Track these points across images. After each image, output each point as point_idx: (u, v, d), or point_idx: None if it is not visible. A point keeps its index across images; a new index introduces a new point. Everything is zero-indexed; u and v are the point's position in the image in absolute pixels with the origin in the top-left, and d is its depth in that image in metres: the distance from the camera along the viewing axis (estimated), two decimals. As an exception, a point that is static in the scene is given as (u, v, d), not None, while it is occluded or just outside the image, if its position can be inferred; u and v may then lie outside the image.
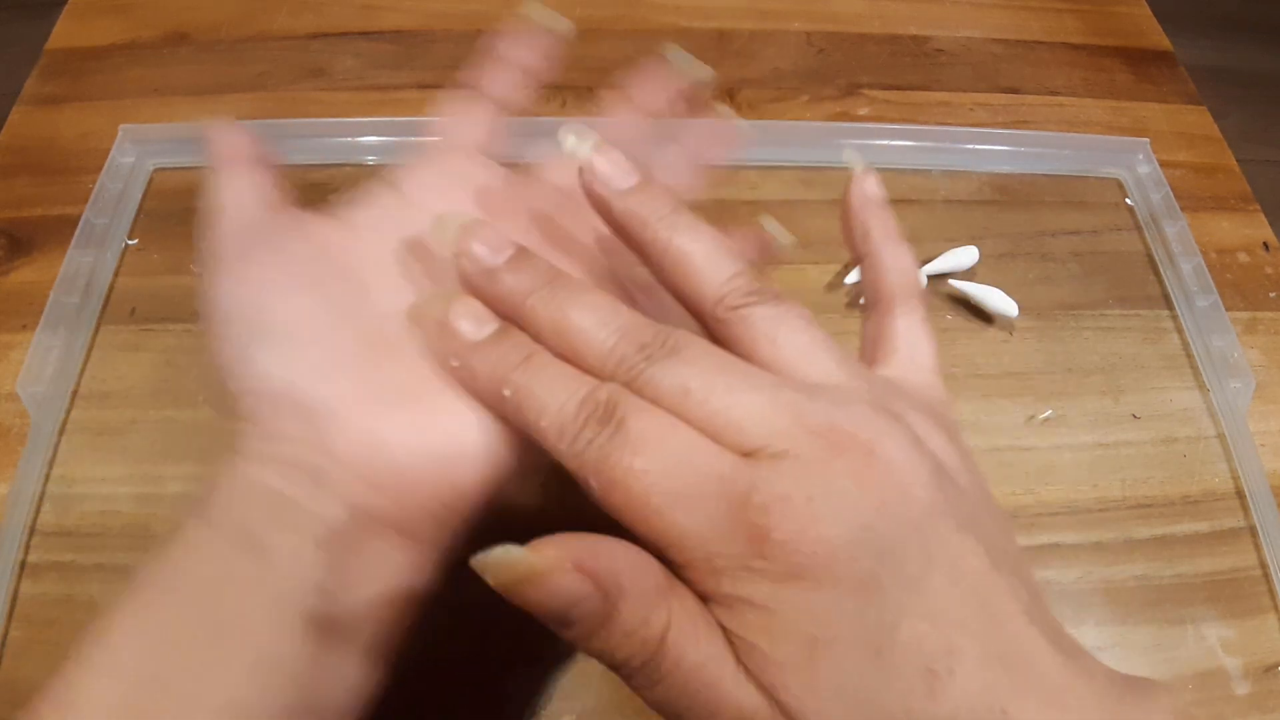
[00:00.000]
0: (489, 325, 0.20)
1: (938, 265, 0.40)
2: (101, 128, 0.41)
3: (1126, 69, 0.50)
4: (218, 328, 0.21)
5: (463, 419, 0.20)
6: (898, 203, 0.42)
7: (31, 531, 0.32)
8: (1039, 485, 0.35)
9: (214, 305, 0.21)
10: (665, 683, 0.17)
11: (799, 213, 0.42)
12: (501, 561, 0.16)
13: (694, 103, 0.27)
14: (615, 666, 0.17)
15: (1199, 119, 0.48)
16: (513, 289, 0.20)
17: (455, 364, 0.20)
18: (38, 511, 0.32)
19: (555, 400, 0.19)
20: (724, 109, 0.27)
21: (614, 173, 0.21)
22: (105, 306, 0.37)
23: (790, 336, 0.20)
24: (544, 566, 0.16)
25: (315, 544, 0.19)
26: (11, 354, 0.35)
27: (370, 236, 0.23)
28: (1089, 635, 0.32)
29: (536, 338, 0.20)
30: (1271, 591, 0.33)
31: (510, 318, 0.20)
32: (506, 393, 0.19)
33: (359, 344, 0.21)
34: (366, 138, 0.42)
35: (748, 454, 0.18)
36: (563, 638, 0.17)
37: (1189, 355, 0.39)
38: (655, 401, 0.18)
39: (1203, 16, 1.17)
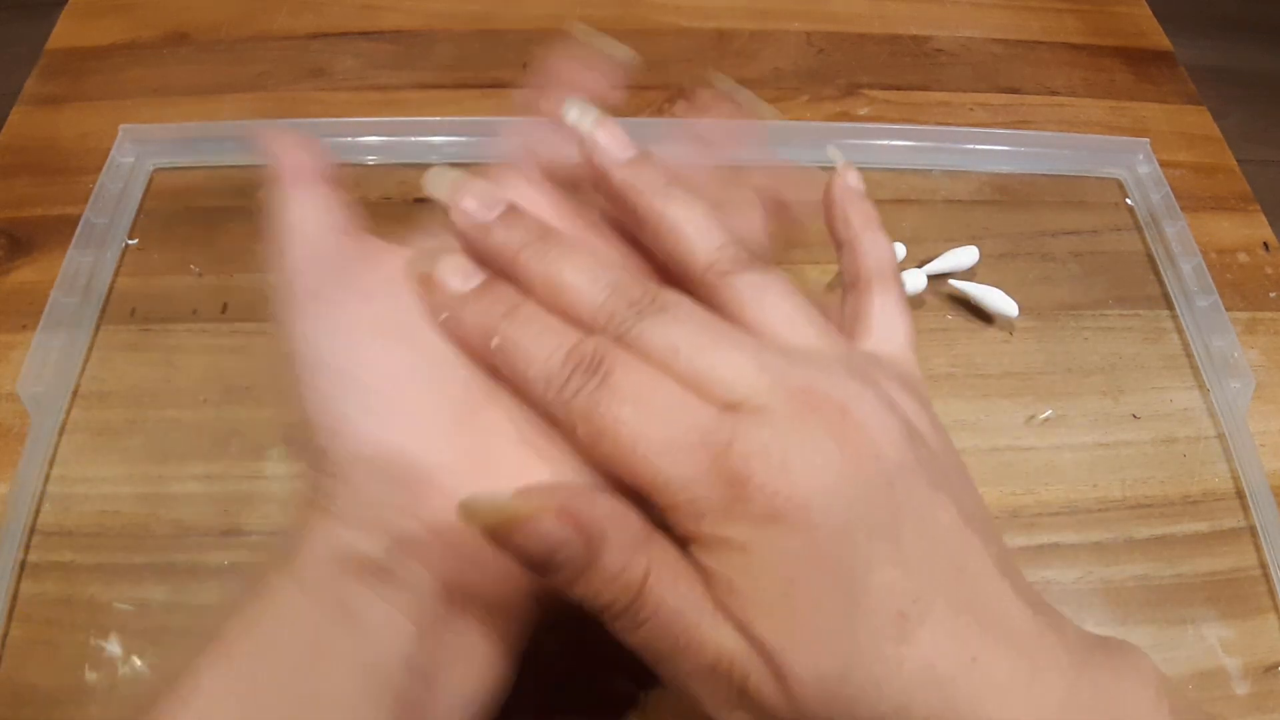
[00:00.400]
0: (475, 278, 0.20)
1: (938, 265, 0.40)
2: (101, 128, 0.42)
3: (1126, 69, 0.50)
4: (302, 375, 0.20)
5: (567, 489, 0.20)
6: (898, 203, 0.43)
7: (31, 531, 0.32)
8: (1039, 485, 0.35)
9: (297, 349, 0.20)
10: (647, 626, 0.18)
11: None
12: (488, 506, 0.17)
13: (714, 98, 0.27)
14: (599, 611, 0.18)
15: (1199, 119, 0.48)
16: (505, 243, 0.20)
17: (444, 317, 0.20)
18: (38, 511, 0.32)
19: (543, 350, 0.19)
20: (745, 93, 0.27)
21: (613, 145, 0.22)
22: (105, 306, 0.37)
23: (775, 303, 0.20)
24: (528, 512, 0.17)
25: (410, 617, 0.18)
26: (11, 354, 0.35)
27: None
28: (1089, 635, 0.32)
29: (528, 293, 0.20)
30: (1271, 591, 0.33)
31: (503, 273, 0.21)
32: (494, 342, 0.19)
33: (453, 402, 0.20)
34: (366, 138, 0.42)
35: (729, 407, 0.18)
36: (548, 583, 0.18)
37: (1189, 355, 0.39)
38: (643, 356, 0.19)
39: (1203, 16, 1.17)
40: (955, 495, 0.19)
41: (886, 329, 0.23)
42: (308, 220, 0.22)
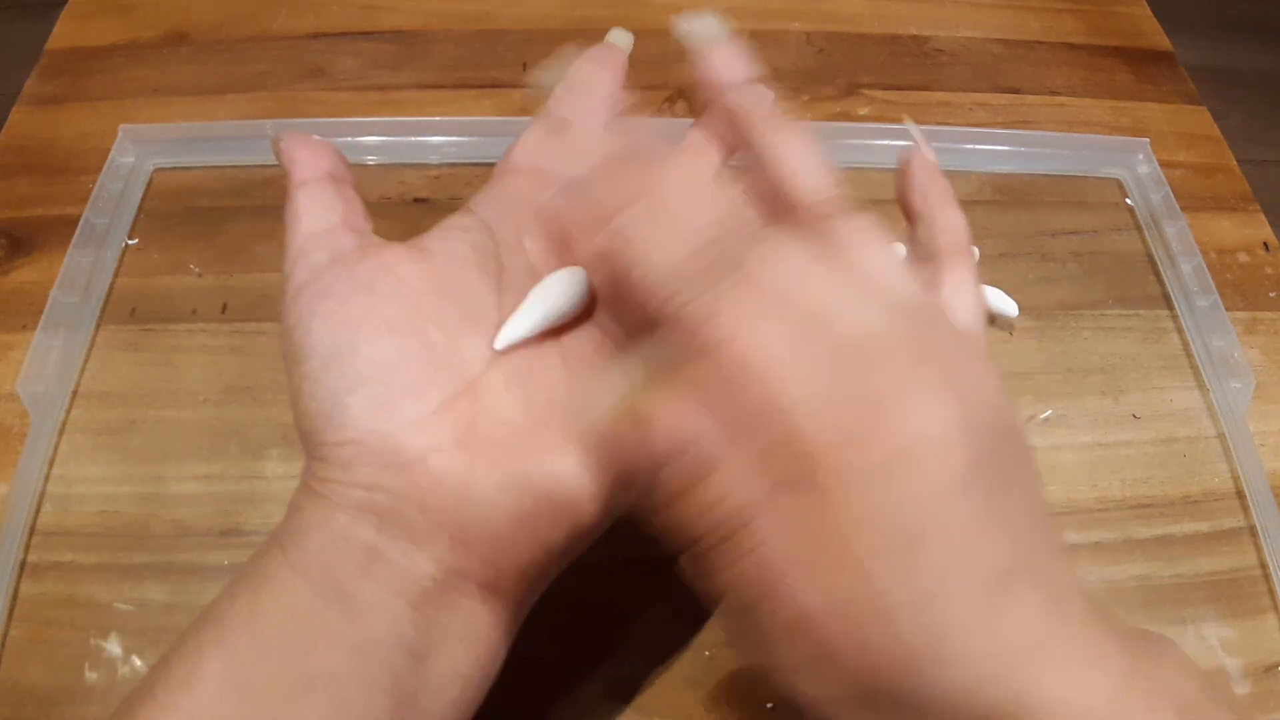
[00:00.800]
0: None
1: (938, 265, 0.40)
2: (101, 128, 0.42)
3: (1126, 69, 0.50)
4: (302, 365, 0.20)
5: (557, 476, 0.20)
6: (898, 203, 0.43)
7: (31, 531, 0.32)
8: (1039, 485, 0.35)
9: (297, 340, 0.20)
10: (736, 568, 0.17)
11: (799, 213, 0.42)
12: (630, 396, 0.18)
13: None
14: (695, 537, 0.18)
15: (1199, 119, 0.48)
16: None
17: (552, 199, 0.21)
18: (38, 511, 0.32)
19: (661, 251, 0.19)
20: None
21: (730, 65, 0.22)
22: (105, 306, 0.37)
23: (880, 252, 0.20)
24: (666, 404, 0.18)
25: (405, 600, 0.19)
26: (11, 354, 0.35)
27: (453, 270, 0.22)
28: (1089, 635, 0.32)
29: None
30: (1271, 591, 0.33)
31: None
32: (618, 224, 0.19)
33: (450, 390, 0.20)
34: (366, 138, 0.42)
35: (850, 348, 0.18)
36: (646, 502, 0.18)
37: (1189, 355, 0.39)
38: (760, 281, 0.18)
39: (1203, 16, 1.17)
40: (1035, 473, 0.19)
41: (960, 304, 0.23)
42: (316, 218, 0.22)
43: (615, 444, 0.19)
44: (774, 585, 0.17)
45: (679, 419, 0.18)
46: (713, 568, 0.18)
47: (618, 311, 0.22)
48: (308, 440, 0.20)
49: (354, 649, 0.18)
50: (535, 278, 0.22)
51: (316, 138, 0.24)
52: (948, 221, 0.24)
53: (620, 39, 0.26)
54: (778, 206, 0.21)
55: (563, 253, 0.23)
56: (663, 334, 0.19)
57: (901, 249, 0.22)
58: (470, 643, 0.20)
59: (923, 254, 0.24)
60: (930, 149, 0.24)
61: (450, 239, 0.23)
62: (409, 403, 0.20)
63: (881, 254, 0.20)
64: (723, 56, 0.22)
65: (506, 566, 0.20)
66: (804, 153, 0.21)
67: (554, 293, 0.22)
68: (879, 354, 0.18)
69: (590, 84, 0.26)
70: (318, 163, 0.23)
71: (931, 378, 0.18)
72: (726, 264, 0.18)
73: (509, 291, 0.22)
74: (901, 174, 0.24)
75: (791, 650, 0.18)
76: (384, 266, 0.22)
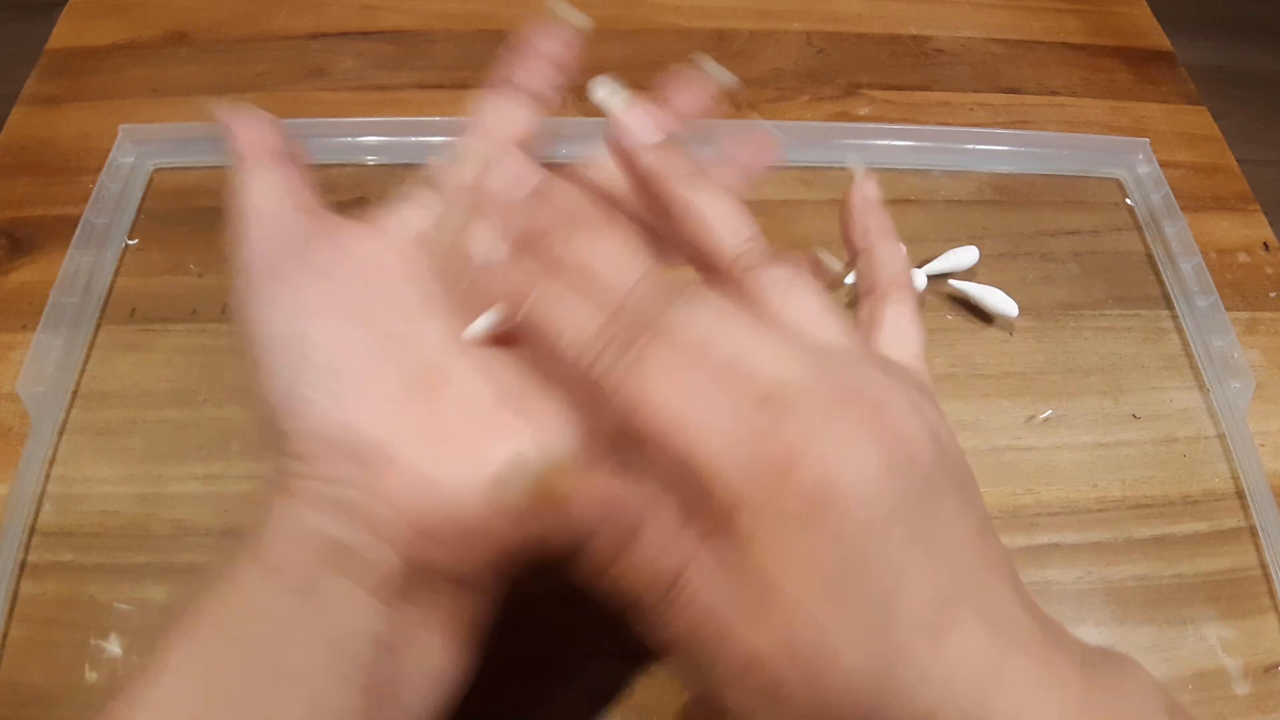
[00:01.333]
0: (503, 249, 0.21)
1: (938, 265, 0.40)
2: (101, 128, 0.42)
3: (1126, 69, 0.50)
4: (260, 357, 0.20)
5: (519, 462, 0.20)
6: (898, 203, 0.43)
7: (31, 531, 0.32)
8: (1039, 485, 0.35)
9: (253, 331, 0.20)
10: (678, 622, 0.18)
11: (799, 213, 0.42)
12: (528, 475, 0.18)
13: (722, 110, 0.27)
14: (629, 603, 0.18)
15: (1199, 119, 0.48)
16: (535, 225, 0.21)
17: (473, 275, 0.21)
18: (38, 511, 0.32)
19: (576, 320, 0.19)
20: (757, 121, 0.28)
21: (642, 128, 0.22)
22: (105, 306, 0.37)
23: (802, 299, 0.20)
24: (581, 480, 0.18)
25: (373, 594, 0.19)
26: (11, 354, 0.36)
27: (408, 247, 0.22)
28: (1089, 635, 0.32)
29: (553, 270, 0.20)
30: (1271, 591, 0.33)
31: (541, 247, 0.21)
32: (528, 304, 0.20)
33: (411, 379, 0.20)
34: (366, 138, 0.42)
35: (766, 397, 0.18)
36: (581, 565, 0.18)
37: (1189, 355, 0.39)
38: (677, 340, 0.19)
39: (1203, 16, 1.17)
40: (974, 502, 0.19)
41: (900, 337, 0.23)
42: (265, 198, 0.22)
43: (538, 520, 0.18)
44: (717, 634, 0.17)
45: (595, 491, 0.18)
46: (656, 623, 0.18)
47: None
48: (270, 434, 0.20)
49: (325, 643, 0.18)
50: (488, 252, 0.22)
51: (262, 113, 0.23)
52: (886, 255, 0.24)
53: (579, 19, 0.25)
54: (702, 266, 0.21)
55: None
56: (585, 399, 0.19)
57: (849, 278, 0.22)
58: (443, 635, 0.20)
59: (865, 287, 0.24)
60: (873, 182, 0.25)
61: (403, 213, 0.22)
62: (368, 393, 0.20)
63: (805, 301, 0.20)
64: (631, 119, 0.22)
65: (475, 556, 0.20)
66: (721, 207, 0.21)
67: None
68: (795, 401, 0.18)
69: (539, 56, 0.27)
70: (265, 141, 0.23)
71: (850, 420, 0.18)
72: (641, 325, 0.19)
73: (466, 272, 0.22)
74: (843, 209, 0.25)
75: (745, 694, 0.18)
76: (340, 250, 0.21)
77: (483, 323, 0.21)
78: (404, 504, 0.19)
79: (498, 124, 0.25)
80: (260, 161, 0.22)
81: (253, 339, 0.20)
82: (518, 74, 0.25)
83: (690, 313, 0.19)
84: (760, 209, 0.43)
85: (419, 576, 0.19)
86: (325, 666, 0.18)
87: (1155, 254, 0.42)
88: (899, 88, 0.48)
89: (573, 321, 0.19)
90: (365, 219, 0.22)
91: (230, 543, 0.19)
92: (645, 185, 0.22)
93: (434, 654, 0.20)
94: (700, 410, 0.18)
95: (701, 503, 0.18)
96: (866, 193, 0.24)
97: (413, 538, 0.19)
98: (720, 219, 0.21)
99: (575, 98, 0.45)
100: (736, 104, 0.46)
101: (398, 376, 0.20)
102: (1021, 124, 0.47)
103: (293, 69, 0.45)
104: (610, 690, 0.30)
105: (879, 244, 0.24)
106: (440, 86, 0.45)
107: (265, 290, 0.20)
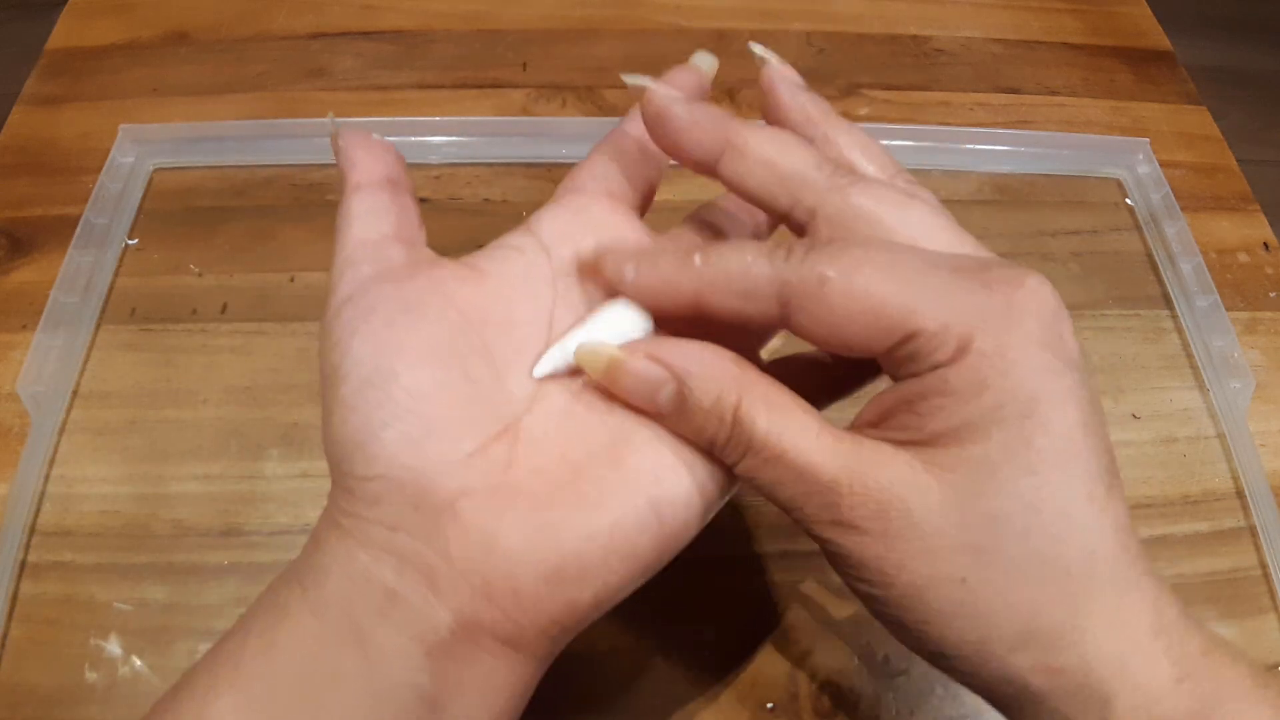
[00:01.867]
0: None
1: (938, 265, 0.40)
2: (101, 128, 0.42)
3: (1126, 69, 0.50)
4: (339, 389, 0.19)
5: (586, 533, 0.19)
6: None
7: (31, 531, 0.32)
8: (1039, 485, 0.35)
9: (337, 361, 0.19)
10: (750, 457, 0.19)
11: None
12: (595, 351, 0.20)
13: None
14: (710, 448, 0.20)
15: (1199, 119, 0.48)
16: (711, 125, 0.22)
17: (633, 267, 0.21)
18: (38, 511, 0.32)
19: (744, 253, 0.20)
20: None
21: (791, 74, 0.23)
22: (105, 306, 0.37)
23: (946, 224, 0.21)
24: (624, 356, 0.20)
25: (422, 648, 0.18)
26: (11, 354, 0.36)
27: (504, 294, 0.21)
28: (1089, 635, 0.32)
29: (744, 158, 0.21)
30: (1271, 591, 0.33)
31: (705, 162, 0.22)
32: (696, 259, 0.20)
33: (491, 433, 0.19)
34: (366, 138, 0.42)
35: (957, 266, 0.19)
36: (665, 426, 0.20)
37: (1189, 355, 0.39)
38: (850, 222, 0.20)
39: (1203, 16, 1.17)
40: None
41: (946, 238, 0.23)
42: (370, 227, 0.21)
43: (615, 388, 0.20)
44: (791, 471, 0.19)
45: (641, 365, 0.20)
46: (733, 465, 0.19)
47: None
48: (337, 469, 0.19)
49: (370, 694, 0.18)
50: (590, 308, 0.21)
51: (377, 137, 0.22)
52: (847, 139, 0.22)
53: (704, 62, 0.24)
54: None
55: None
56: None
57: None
58: (489, 696, 0.19)
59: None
60: (788, 67, 0.23)
61: (504, 260, 0.22)
62: (445, 442, 0.19)
63: (949, 227, 0.21)
64: (781, 67, 0.23)
65: (529, 622, 0.19)
66: (860, 139, 0.22)
67: (611, 322, 0.21)
68: (987, 262, 0.20)
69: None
70: (376, 166, 0.22)
71: (1031, 310, 0.19)
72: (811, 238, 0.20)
73: (560, 323, 0.21)
74: (765, 104, 0.23)
75: (818, 510, 0.19)
76: (434, 285, 0.20)
77: (555, 357, 0.21)
78: (463, 561, 0.18)
79: (600, 177, 0.24)
80: (371, 187, 0.21)
81: (335, 369, 0.19)
82: (633, 134, 0.24)
83: (863, 192, 0.20)
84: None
85: (470, 636, 0.18)
86: (370, 718, 0.18)
87: (1155, 254, 0.42)
88: (899, 88, 0.48)
89: (739, 257, 0.20)
90: (468, 263, 0.21)
91: (259, 542, 0.19)
92: (789, 121, 0.22)
93: (478, 712, 0.19)
94: (908, 279, 0.18)
95: (930, 357, 0.18)
96: (788, 75, 0.23)
97: (468, 596, 0.18)
98: (862, 151, 0.22)
99: (575, 98, 0.45)
100: (737, 104, 0.46)
101: (476, 426, 0.19)
102: (1021, 124, 0.47)
103: (293, 69, 0.45)
104: (617, 693, 0.30)
105: (833, 130, 0.22)
106: (440, 86, 0.45)
107: (354, 320, 0.20)
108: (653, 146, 0.23)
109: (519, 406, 0.20)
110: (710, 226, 0.25)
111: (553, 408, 0.20)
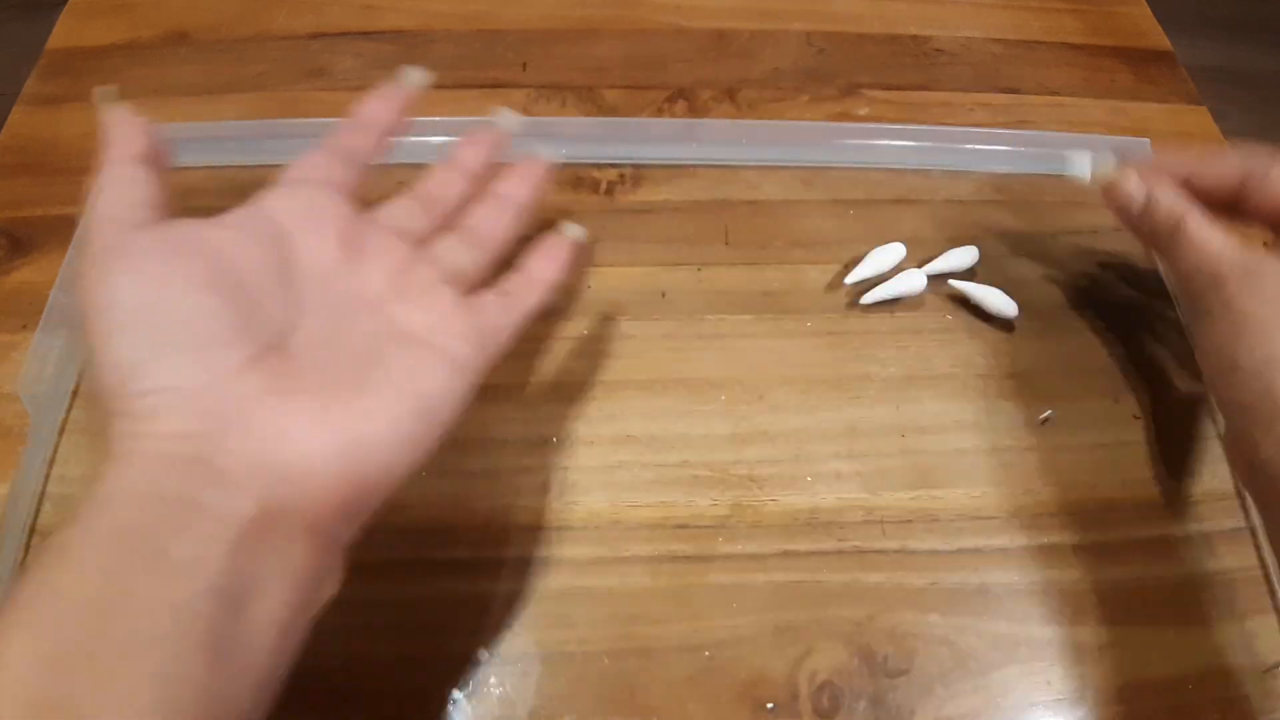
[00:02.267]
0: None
1: (938, 265, 0.40)
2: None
3: (1126, 69, 0.50)
4: (102, 325, 0.21)
5: (363, 416, 0.22)
6: (898, 203, 0.43)
7: (31, 531, 0.32)
8: (1039, 485, 0.35)
9: (98, 299, 0.21)
10: (1177, 245, 0.31)
11: (799, 213, 0.42)
12: (1109, 169, 0.34)
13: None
14: (1154, 238, 0.33)
15: (1199, 119, 0.48)
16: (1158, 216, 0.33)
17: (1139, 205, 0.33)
18: (38, 511, 0.32)
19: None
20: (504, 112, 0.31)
21: (1135, 191, 0.33)
22: (105, 306, 0.37)
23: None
24: (1122, 177, 0.33)
25: (221, 546, 0.19)
26: (11, 354, 0.35)
27: (248, 242, 0.24)
28: (1089, 635, 0.32)
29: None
30: (1271, 591, 0.33)
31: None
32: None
33: (261, 345, 0.22)
34: (366, 138, 0.42)
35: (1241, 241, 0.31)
36: (1128, 225, 0.34)
37: (1189, 355, 0.39)
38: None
39: (1203, 16, 1.17)
40: None
41: None
42: (121, 195, 0.24)
43: (1109, 200, 0.34)
44: (1208, 268, 0.30)
45: (1135, 185, 0.33)
46: (1166, 255, 0.33)
47: None
48: (114, 396, 0.20)
49: (168, 606, 0.18)
50: (317, 274, 0.24)
51: (139, 118, 0.26)
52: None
53: (416, 78, 0.30)
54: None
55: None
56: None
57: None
58: (289, 584, 0.20)
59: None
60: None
61: (243, 220, 0.25)
62: (219, 354, 0.21)
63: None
64: (1129, 183, 0.34)
65: (324, 501, 0.21)
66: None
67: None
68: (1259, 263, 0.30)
69: (373, 119, 0.30)
70: (133, 143, 0.25)
71: None
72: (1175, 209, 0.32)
73: (292, 284, 0.24)
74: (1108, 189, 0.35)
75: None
76: (189, 231, 0.23)
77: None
78: (252, 454, 0.20)
79: (319, 168, 0.28)
80: (128, 160, 0.25)
81: (96, 308, 0.21)
82: (346, 138, 0.29)
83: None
84: (760, 209, 0.44)
85: (268, 525, 0.20)
86: (169, 629, 0.18)
87: (1155, 254, 0.42)
88: (899, 88, 0.48)
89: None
90: (213, 221, 0.24)
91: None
92: (1138, 230, 0.35)
93: (280, 606, 0.20)
94: (1212, 239, 0.31)
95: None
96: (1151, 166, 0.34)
97: (262, 486, 0.20)
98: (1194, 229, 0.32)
99: (575, 98, 0.45)
100: (737, 104, 0.46)
101: (249, 342, 0.21)
102: (1021, 124, 0.47)
103: (293, 69, 0.45)
104: (617, 694, 0.30)
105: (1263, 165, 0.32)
106: (440, 86, 0.45)
107: (114, 263, 0.22)
108: (357, 150, 0.28)
109: (284, 327, 0.23)
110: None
111: (314, 327, 0.23)
